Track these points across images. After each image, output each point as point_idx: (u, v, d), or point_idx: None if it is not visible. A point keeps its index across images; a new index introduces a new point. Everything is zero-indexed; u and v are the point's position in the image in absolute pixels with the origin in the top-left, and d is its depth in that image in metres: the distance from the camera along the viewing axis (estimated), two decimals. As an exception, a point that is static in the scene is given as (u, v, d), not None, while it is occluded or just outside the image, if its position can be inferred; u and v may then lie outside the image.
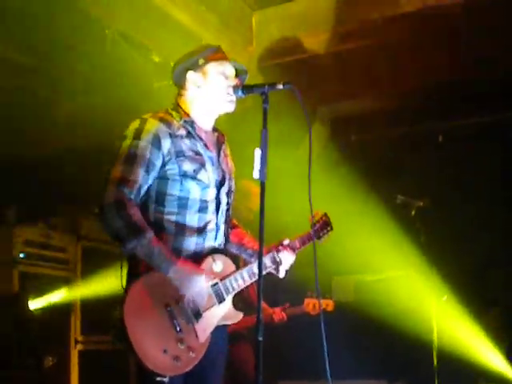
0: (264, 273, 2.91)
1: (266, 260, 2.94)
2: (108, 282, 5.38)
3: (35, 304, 5.29)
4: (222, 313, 2.78)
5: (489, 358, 5.42)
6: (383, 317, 5.52)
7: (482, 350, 5.45)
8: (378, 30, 5.59)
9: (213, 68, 2.88)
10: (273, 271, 3.02)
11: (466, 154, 6.13)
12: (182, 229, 2.73)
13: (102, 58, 5.46)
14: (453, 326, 5.39)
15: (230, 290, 2.81)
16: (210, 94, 2.87)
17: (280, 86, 2.62)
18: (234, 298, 4.36)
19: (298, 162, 5.45)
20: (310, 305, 4.78)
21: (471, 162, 6.13)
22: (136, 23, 5.37)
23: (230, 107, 2.90)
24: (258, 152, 2.53)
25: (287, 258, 3.00)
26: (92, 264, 5.74)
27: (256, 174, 2.52)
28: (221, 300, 2.78)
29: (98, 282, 5.52)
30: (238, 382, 4.54)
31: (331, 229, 3.25)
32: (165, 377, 2.54)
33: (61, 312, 5.41)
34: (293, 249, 3.05)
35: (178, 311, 2.62)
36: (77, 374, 5.44)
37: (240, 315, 2.84)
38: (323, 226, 3.23)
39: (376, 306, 5.68)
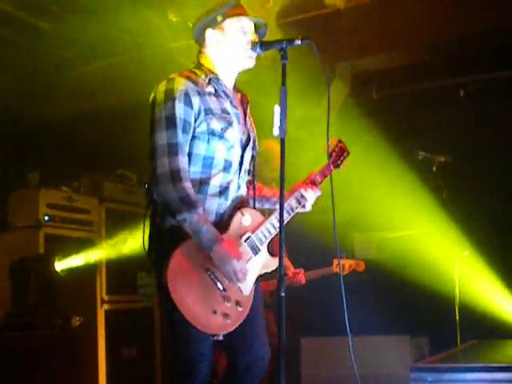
0: (293, 214, 3.00)
1: (292, 202, 2.98)
2: (132, 243, 5.45)
3: (61, 265, 5.37)
4: (260, 263, 2.84)
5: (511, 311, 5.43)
6: (405, 273, 5.53)
7: (505, 304, 5.45)
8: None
9: (231, 24, 2.88)
10: (301, 210, 3.05)
11: (487, 108, 6.03)
12: (205, 187, 2.75)
13: (118, 20, 5.44)
14: (475, 281, 5.39)
15: (263, 239, 2.86)
16: (230, 51, 2.87)
17: (298, 42, 2.60)
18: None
19: (318, 119, 5.43)
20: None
21: (493, 116, 6.03)
22: (151, -17, 5.33)
23: (250, 63, 2.90)
24: (277, 109, 2.51)
25: (312, 195, 3.03)
26: (116, 225, 5.81)
27: (276, 131, 2.51)
28: (256, 251, 2.84)
29: (122, 242, 5.59)
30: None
31: (348, 154, 3.17)
32: (219, 335, 2.65)
33: (86, 273, 5.48)
34: (315, 184, 3.06)
35: (219, 272, 2.68)
36: (104, 333, 5.55)
37: (277, 261, 2.80)
38: (339, 153, 3.15)
39: (398, 263, 5.69)
